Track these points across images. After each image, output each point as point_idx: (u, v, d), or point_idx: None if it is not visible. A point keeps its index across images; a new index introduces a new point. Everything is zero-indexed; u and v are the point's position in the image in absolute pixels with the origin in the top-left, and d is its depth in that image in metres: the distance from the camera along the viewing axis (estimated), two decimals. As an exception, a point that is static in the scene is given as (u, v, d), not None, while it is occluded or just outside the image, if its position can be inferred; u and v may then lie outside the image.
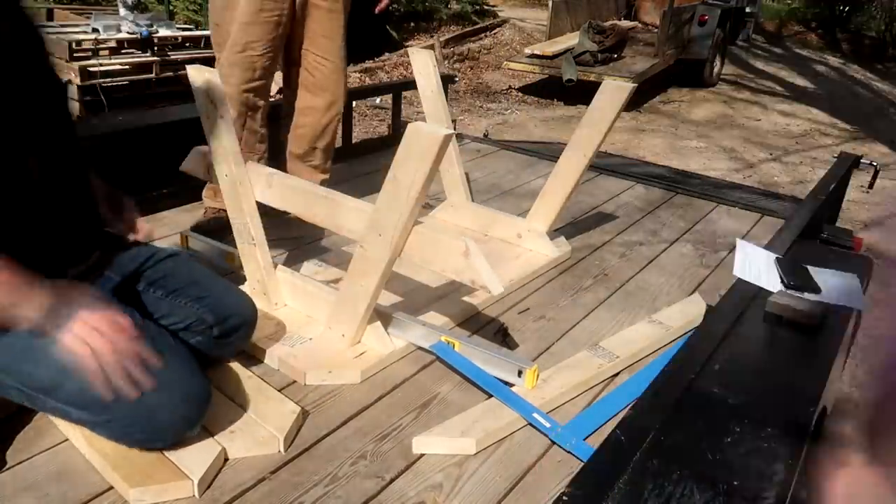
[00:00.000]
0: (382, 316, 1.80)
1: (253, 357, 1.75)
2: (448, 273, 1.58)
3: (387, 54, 8.52)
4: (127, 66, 5.51)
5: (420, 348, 1.80)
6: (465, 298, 2.04)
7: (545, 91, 8.41)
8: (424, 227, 1.60)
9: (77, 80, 5.14)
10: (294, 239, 2.38)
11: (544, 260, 2.37)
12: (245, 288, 1.95)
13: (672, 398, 1.22)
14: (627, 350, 1.82)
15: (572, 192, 2.37)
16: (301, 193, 1.80)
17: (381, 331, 1.78)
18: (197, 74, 1.73)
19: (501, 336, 1.94)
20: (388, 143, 3.44)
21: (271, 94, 2.55)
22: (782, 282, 1.69)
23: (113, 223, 1.56)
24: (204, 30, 7.13)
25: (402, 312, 1.83)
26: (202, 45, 6.15)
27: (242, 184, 1.82)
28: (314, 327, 1.83)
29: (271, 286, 1.90)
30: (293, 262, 2.20)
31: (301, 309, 1.90)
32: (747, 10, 11.42)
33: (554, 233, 2.47)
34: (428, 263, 1.61)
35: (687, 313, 2.03)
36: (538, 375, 1.67)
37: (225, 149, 1.79)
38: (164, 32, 5.80)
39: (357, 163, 3.21)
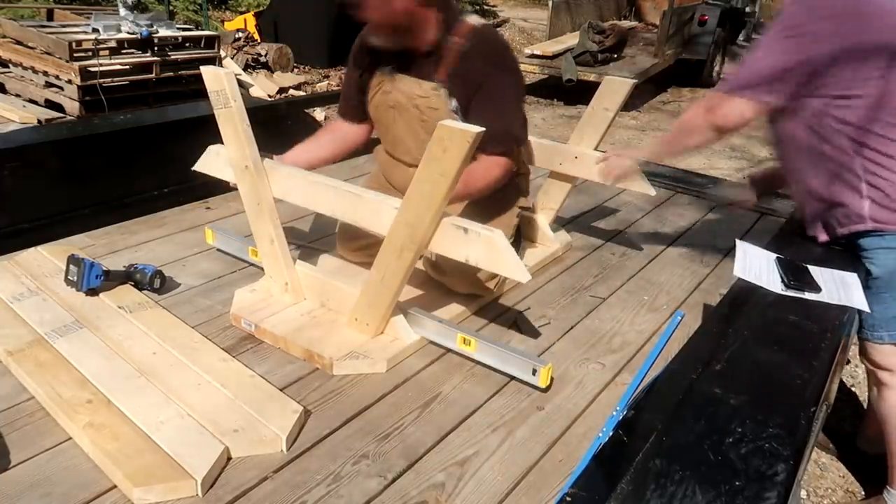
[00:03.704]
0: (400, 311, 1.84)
1: (257, 354, 1.76)
2: (472, 262, 1.59)
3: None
4: (127, 66, 5.51)
5: (432, 342, 1.83)
6: (464, 296, 2.05)
7: (545, 91, 8.41)
8: (449, 218, 1.61)
9: (77, 80, 5.14)
10: (307, 235, 2.39)
11: (548, 251, 2.41)
12: (266, 285, 1.98)
13: (674, 398, 1.23)
14: None
15: (573, 188, 2.43)
16: (322, 189, 1.80)
17: (404, 322, 1.82)
18: (211, 74, 1.75)
19: (518, 328, 1.98)
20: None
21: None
22: (783, 281, 1.69)
23: None
24: (204, 30, 7.15)
25: (417, 308, 1.86)
26: (202, 45, 6.15)
27: (261, 183, 1.83)
28: (337, 319, 1.86)
29: (293, 282, 1.93)
30: (308, 258, 2.19)
31: (323, 303, 1.93)
32: (747, 10, 11.42)
33: (554, 225, 2.51)
34: (453, 254, 1.62)
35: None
36: (552, 374, 1.69)
37: (241, 149, 1.79)
38: (164, 32, 5.80)
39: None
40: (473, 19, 1.98)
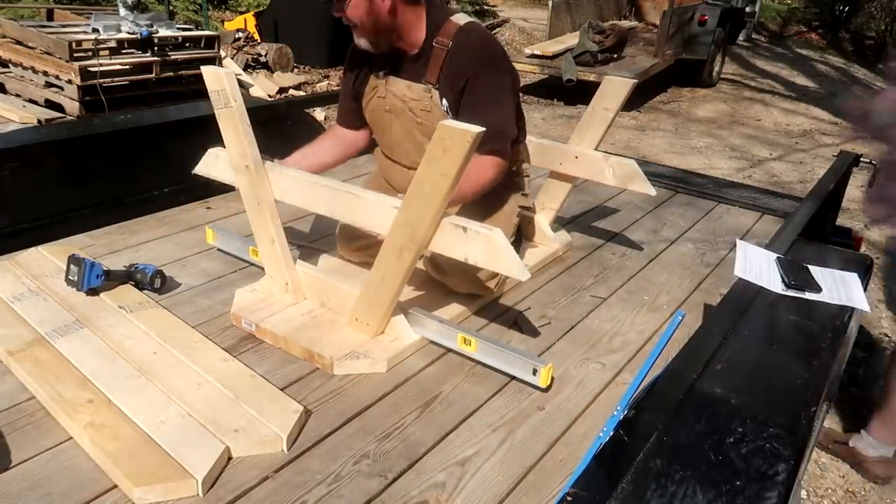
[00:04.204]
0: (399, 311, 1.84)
1: (258, 354, 1.76)
2: (471, 261, 1.59)
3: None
4: (127, 66, 5.51)
5: (432, 342, 1.83)
6: (465, 296, 2.05)
7: (545, 91, 8.42)
8: (449, 217, 1.61)
9: (77, 80, 5.14)
10: (307, 235, 2.39)
11: (548, 251, 2.41)
12: (267, 285, 1.97)
13: (674, 398, 1.23)
14: None
15: (573, 188, 2.43)
16: (322, 190, 1.79)
17: (404, 321, 1.82)
18: (211, 74, 1.74)
19: (518, 328, 1.97)
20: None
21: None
22: (783, 281, 1.69)
23: None
24: (204, 30, 7.15)
25: (417, 308, 1.86)
26: (202, 45, 6.15)
27: (262, 183, 1.83)
28: (337, 319, 1.86)
29: (293, 282, 1.93)
30: (308, 258, 2.19)
31: (323, 302, 1.93)
32: (747, 10, 11.41)
33: (555, 225, 2.50)
34: (452, 253, 1.62)
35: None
36: (553, 374, 1.69)
37: (242, 149, 1.79)
38: (164, 32, 5.80)
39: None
40: (460, 18, 1.97)
